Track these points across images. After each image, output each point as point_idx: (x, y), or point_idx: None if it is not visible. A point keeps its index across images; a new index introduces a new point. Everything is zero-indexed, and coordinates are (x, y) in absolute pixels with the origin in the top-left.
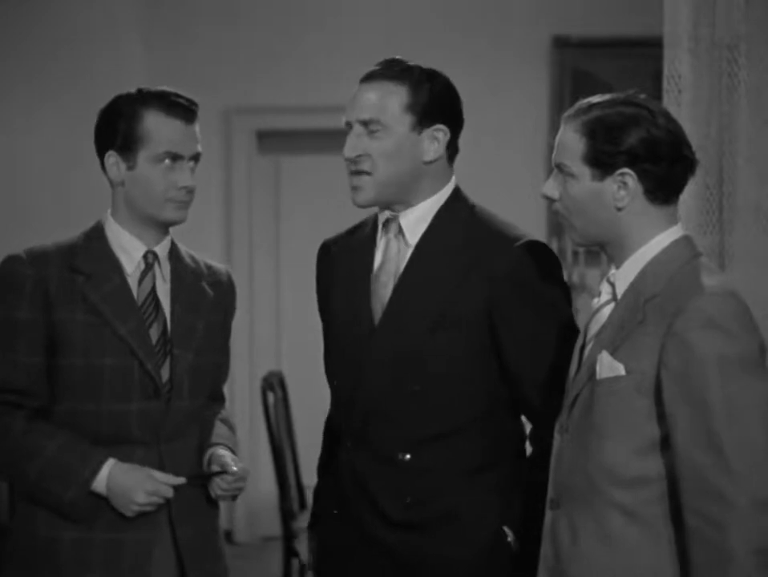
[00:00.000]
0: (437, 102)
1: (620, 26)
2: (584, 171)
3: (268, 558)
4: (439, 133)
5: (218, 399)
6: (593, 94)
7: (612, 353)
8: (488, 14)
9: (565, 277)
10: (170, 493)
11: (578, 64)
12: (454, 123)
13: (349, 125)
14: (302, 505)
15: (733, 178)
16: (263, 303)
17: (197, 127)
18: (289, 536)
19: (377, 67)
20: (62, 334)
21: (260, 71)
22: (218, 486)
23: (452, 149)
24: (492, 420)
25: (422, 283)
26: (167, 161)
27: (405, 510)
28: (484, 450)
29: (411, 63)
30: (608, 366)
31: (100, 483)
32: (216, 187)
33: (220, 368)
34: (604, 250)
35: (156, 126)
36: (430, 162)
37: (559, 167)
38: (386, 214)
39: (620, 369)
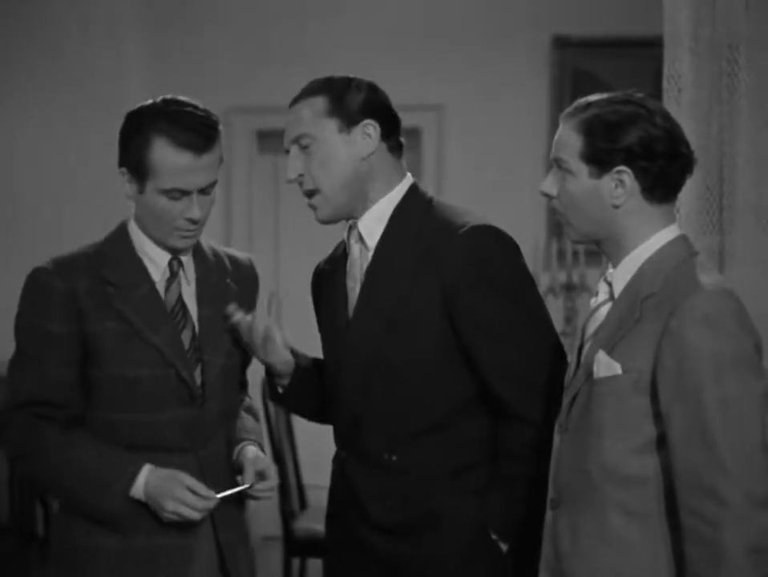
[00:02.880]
0: (360, 101)
1: (620, 25)
2: (581, 169)
3: (268, 558)
4: (369, 128)
5: (243, 386)
6: (593, 93)
7: (609, 353)
8: (488, 14)
9: (565, 278)
10: (206, 505)
11: (578, 64)
12: (383, 117)
13: (287, 151)
14: (303, 505)
15: (733, 178)
16: (262, 302)
17: (216, 151)
18: (289, 536)
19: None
20: (94, 345)
21: (260, 71)
22: (252, 495)
23: (392, 143)
24: (470, 418)
25: (379, 285)
26: (175, 193)
27: (388, 514)
28: (465, 450)
29: (334, 76)
30: (605, 365)
31: (138, 490)
32: (217, 186)
33: (245, 361)
34: (600, 248)
35: (164, 160)
36: (368, 156)
37: (558, 163)
38: (349, 222)
39: (617, 369)
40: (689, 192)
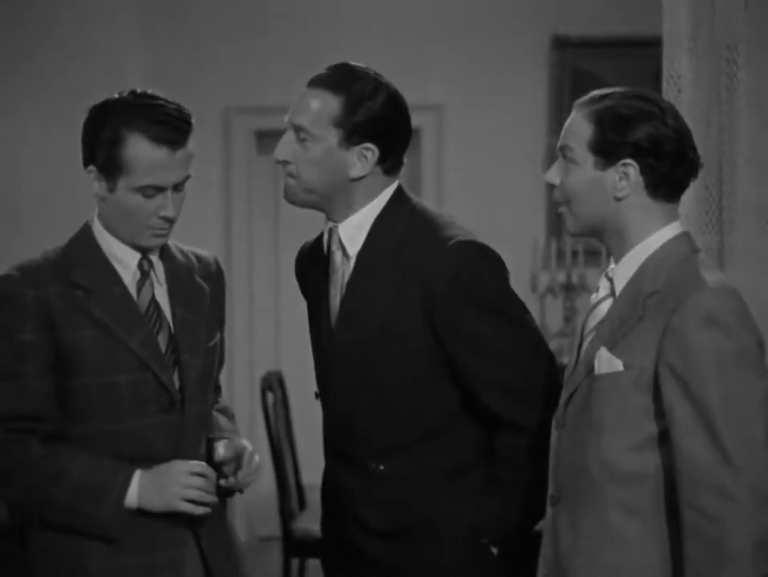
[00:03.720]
0: (370, 122)
1: (619, 25)
2: (587, 158)
3: (267, 559)
4: (368, 152)
5: (217, 390)
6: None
7: (611, 349)
8: (488, 14)
9: (564, 278)
10: (207, 468)
11: (578, 64)
12: (387, 142)
13: (288, 123)
14: (302, 505)
15: (732, 178)
16: (262, 302)
17: (189, 146)
18: (288, 537)
19: (327, 69)
20: (71, 353)
21: (259, 71)
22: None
23: (389, 163)
24: (461, 424)
25: (363, 296)
26: (149, 190)
27: (382, 519)
28: (456, 455)
29: (360, 72)
30: (606, 362)
31: (131, 497)
32: (216, 186)
33: (220, 363)
34: (602, 242)
35: (138, 157)
36: (357, 179)
37: (563, 152)
38: (329, 224)
39: (619, 365)
40: (688, 192)
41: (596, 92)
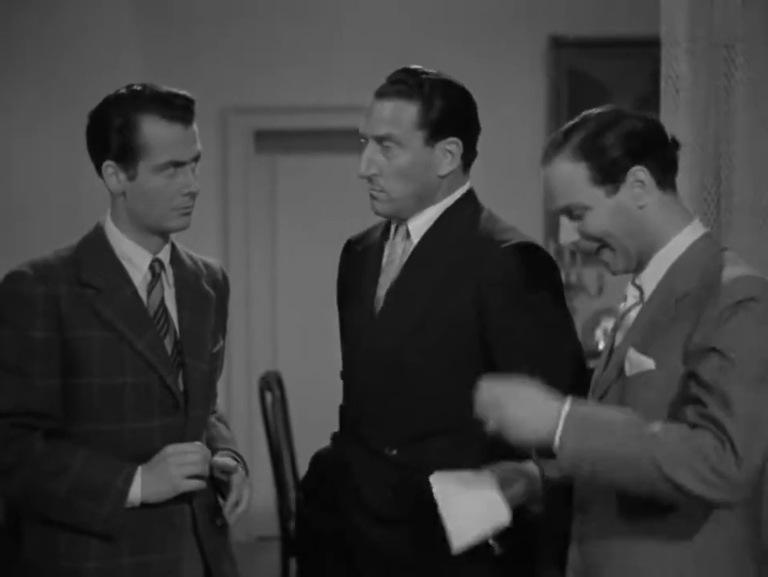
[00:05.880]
0: (449, 117)
1: (617, 25)
2: (596, 195)
3: (265, 559)
4: (452, 146)
5: (214, 396)
6: (590, 94)
7: (645, 351)
8: (485, 14)
9: (563, 278)
10: (198, 448)
11: (575, 64)
12: (468, 132)
13: (364, 139)
14: None
15: (730, 178)
16: (260, 302)
17: (195, 125)
18: (286, 536)
19: (391, 80)
20: (78, 353)
21: (257, 71)
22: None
23: (469, 155)
24: (479, 422)
25: (410, 286)
26: (170, 169)
27: (388, 505)
28: (468, 451)
29: (425, 75)
30: (636, 363)
31: (134, 494)
32: (214, 186)
33: (220, 369)
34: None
35: (156, 135)
36: (446, 174)
37: (569, 212)
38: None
39: (650, 364)
40: (686, 193)
41: (554, 137)
